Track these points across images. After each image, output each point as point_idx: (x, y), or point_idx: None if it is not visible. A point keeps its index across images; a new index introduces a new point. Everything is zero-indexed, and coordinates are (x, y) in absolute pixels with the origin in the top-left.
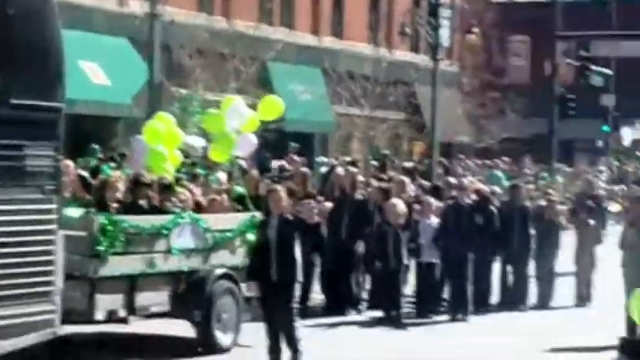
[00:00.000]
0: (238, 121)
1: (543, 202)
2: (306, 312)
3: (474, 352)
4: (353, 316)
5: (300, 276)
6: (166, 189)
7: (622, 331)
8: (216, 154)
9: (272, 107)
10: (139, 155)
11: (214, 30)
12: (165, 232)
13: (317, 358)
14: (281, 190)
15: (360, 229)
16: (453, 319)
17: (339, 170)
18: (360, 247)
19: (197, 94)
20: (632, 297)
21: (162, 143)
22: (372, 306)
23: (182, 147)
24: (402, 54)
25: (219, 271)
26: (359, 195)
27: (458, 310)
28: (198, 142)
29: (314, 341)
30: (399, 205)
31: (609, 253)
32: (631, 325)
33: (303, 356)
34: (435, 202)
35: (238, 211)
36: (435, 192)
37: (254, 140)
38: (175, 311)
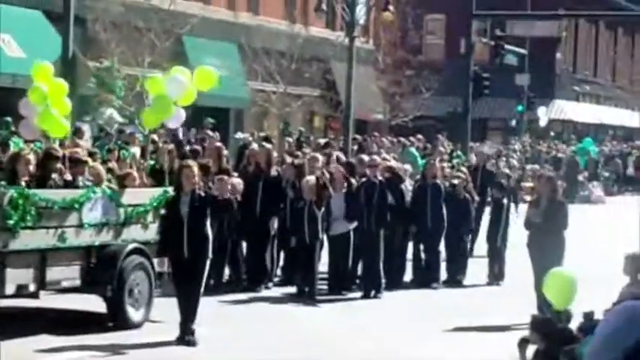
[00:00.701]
0: (178, 91)
1: (456, 181)
2: (219, 288)
3: (385, 329)
4: (264, 292)
5: (210, 252)
6: (78, 163)
7: (533, 310)
8: (149, 119)
9: (207, 77)
10: (29, 119)
11: (129, 3)
12: (77, 206)
13: (226, 335)
14: (193, 165)
15: (275, 206)
16: (366, 296)
17: (254, 146)
18: (275, 223)
19: (113, 66)
20: (546, 279)
21: (49, 100)
22: (284, 282)
23: (100, 121)
24: (318, 31)
25: (131, 246)
26: (274, 171)
27: (371, 287)
28: (114, 116)
29: (224, 317)
30: (313, 181)
31: (522, 232)
32: (541, 304)
33: (196, 333)
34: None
35: (154, 186)
36: (349, 169)
37: (184, 115)
38: (87, 286)
